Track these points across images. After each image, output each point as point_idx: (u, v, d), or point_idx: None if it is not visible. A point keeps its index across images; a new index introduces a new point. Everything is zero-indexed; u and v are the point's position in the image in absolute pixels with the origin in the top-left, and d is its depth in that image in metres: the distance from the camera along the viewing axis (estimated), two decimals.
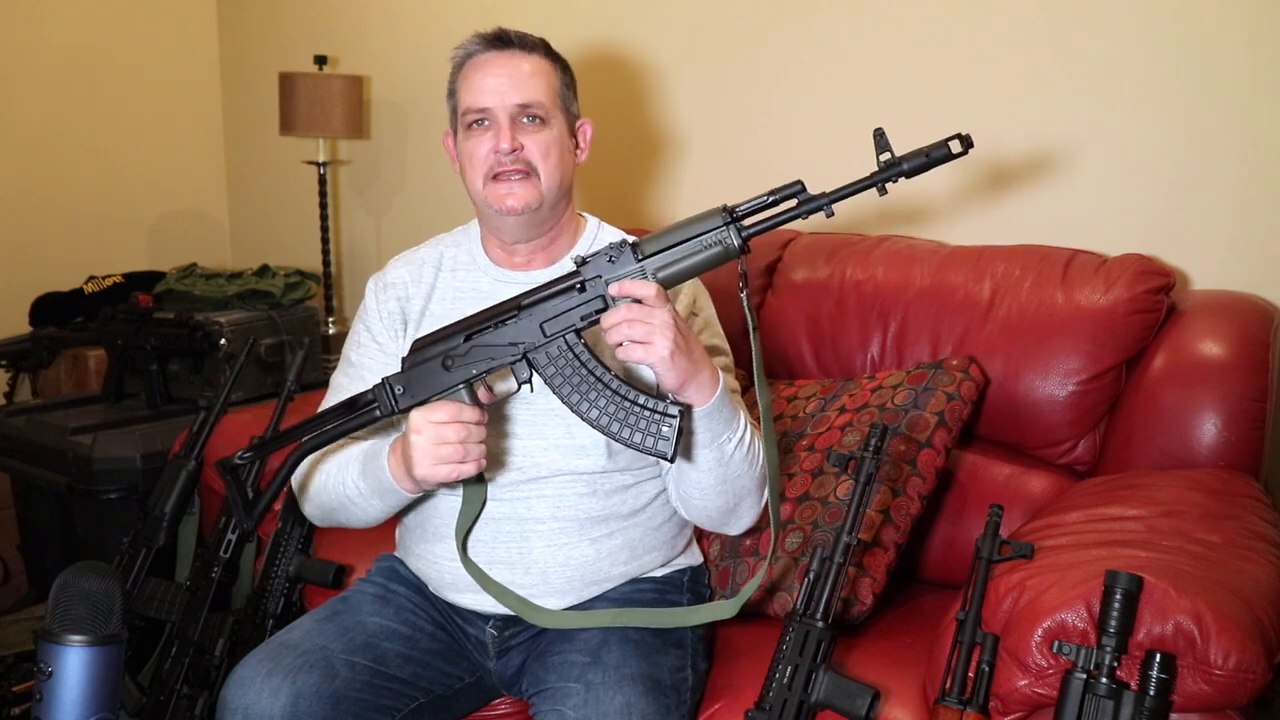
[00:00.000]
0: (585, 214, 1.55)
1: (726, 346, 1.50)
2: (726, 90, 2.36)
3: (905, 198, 2.12)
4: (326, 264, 3.05)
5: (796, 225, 2.10)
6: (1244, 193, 1.78)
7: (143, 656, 1.93)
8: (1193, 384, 1.58)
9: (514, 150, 1.38)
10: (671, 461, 1.21)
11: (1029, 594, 1.16)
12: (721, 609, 1.37)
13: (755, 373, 1.25)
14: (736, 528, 1.43)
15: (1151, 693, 1.05)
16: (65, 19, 3.12)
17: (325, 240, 3.03)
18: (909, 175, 1.14)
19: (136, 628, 1.92)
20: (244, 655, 1.38)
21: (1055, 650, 1.10)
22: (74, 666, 1.23)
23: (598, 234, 1.52)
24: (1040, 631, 1.12)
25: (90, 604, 1.24)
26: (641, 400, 1.20)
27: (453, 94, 1.46)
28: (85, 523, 2.38)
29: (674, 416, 1.19)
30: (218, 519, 1.91)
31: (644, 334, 1.17)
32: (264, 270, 2.88)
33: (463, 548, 1.39)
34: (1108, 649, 1.06)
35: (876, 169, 1.14)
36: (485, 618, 1.45)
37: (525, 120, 1.40)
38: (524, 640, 1.44)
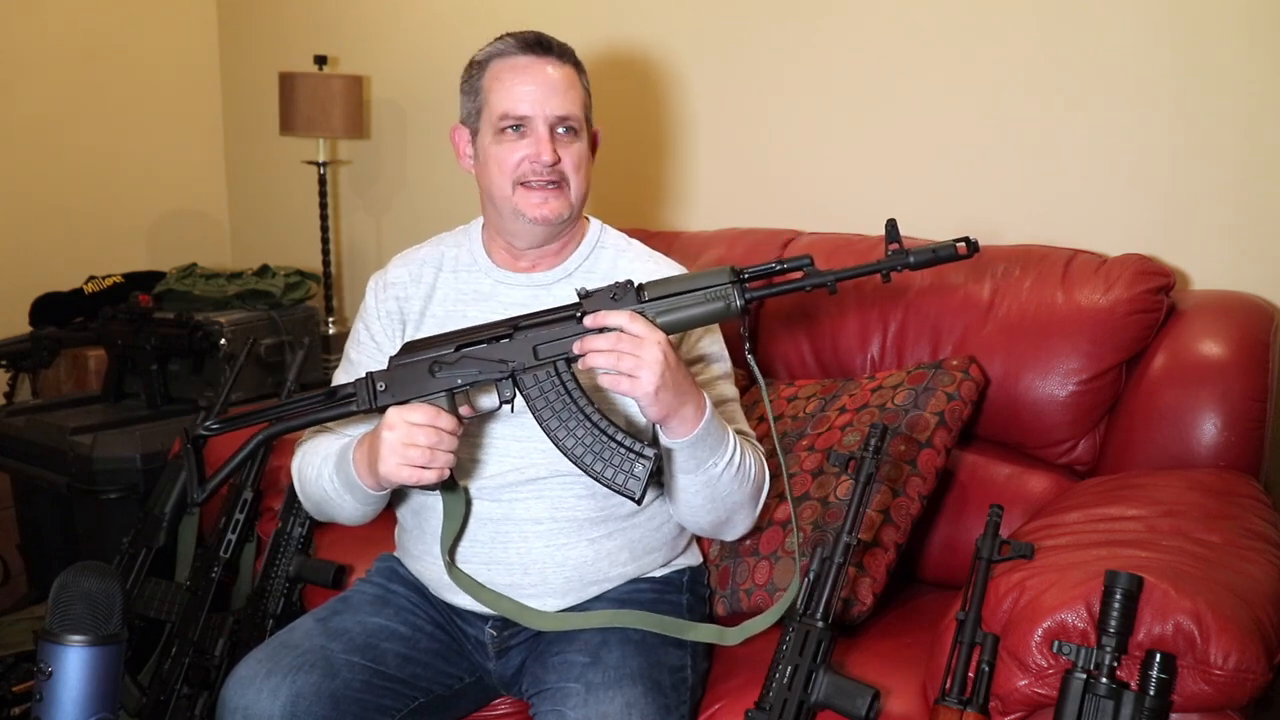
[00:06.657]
0: (587, 216, 1.55)
1: (725, 352, 1.50)
2: (735, 90, 2.35)
3: (905, 197, 2.13)
4: (326, 264, 3.05)
5: (796, 225, 2.15)
6: (1244, 193, 1.78)
7: (143, 656, 1.93)
8: (1192, 384, 1.58)
9: (554, 163, 1.39)
10: (639, 503, 1.22)
11: (1029, 594, 1.16)
12: (724, 634, 1.37)
13: (775, 443, 1.29)
14: (730, 536, 1.44)
15: (1151, 693, 1.05)
16: (65, 18, 3.12)
17: (325, 240, 3.03)
18: (914, 268, 1.18)
19: (136, 628, 1.92)
20: (244, 655, 1.38)
21: (1055, 650, 1.10)
22: (74, 666, 1.22)
23: (600, 236, 1.52)
24: (1040, 631, 1.12)
25: (90, 604, 1.24)
26: (619, 437, 1.21)
27: (477, 93, 1.43)
28: (85, 523, 2.38)
29: (648, 459, 1.20)
30: (218, 519, 1.92)
31: (632, 367, 1.18)
32: (264, 270, 2.88)
33: (450, 560, 1.39)
34: (1108, 649, 1.06)
35: (885, 255, 1.18)
36: (484, 618, 1.45)
37: (560, 131, 1.40)
38: (523, 640, 1.44)
